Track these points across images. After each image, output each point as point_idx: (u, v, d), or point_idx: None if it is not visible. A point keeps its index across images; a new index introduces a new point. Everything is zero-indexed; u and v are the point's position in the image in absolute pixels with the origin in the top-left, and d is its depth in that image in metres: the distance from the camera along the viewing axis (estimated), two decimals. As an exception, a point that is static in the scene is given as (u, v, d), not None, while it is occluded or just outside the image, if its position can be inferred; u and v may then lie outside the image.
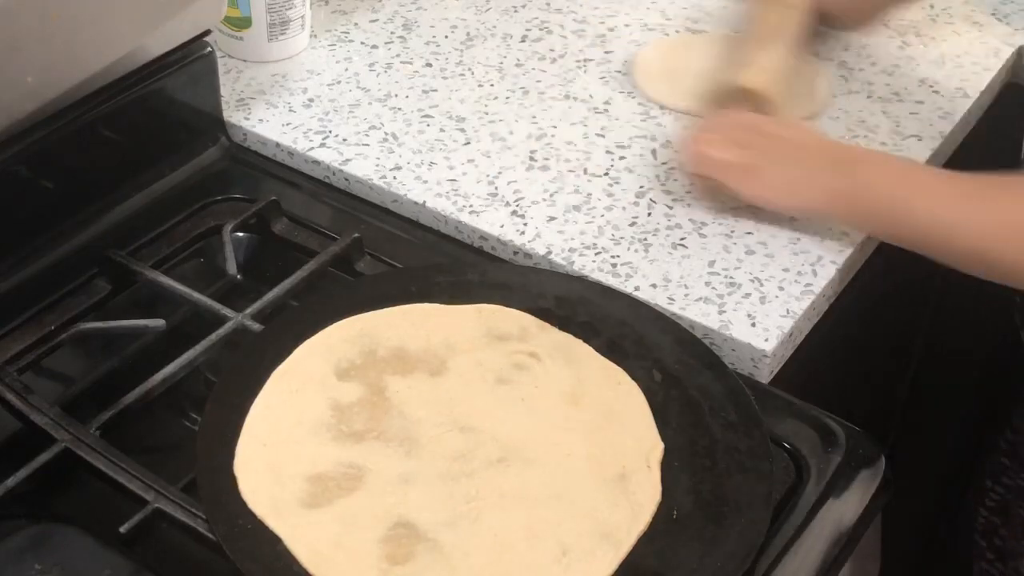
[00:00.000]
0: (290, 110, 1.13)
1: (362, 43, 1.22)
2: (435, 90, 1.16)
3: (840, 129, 1.11)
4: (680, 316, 0.92)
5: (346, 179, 1.07)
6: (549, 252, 0.98)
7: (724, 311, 0.93)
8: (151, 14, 0.97)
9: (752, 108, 1.05)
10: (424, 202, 1.03)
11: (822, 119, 1.13)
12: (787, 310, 0.94)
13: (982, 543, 1.27)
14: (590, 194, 1.04)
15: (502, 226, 1.00)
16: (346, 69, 1.18)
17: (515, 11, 1.28)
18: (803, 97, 1.13)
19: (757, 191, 0.99)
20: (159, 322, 0.90)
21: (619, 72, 1.19)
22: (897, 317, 1.28)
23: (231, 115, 1.11)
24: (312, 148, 1.08)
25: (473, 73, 1.18)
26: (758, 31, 1.13)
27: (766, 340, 0.91)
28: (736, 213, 1.01)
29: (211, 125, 1.09)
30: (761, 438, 0.81)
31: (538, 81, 1.17)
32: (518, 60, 1.20)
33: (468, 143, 1.09)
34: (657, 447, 0.81)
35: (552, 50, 1.22)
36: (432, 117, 1.12)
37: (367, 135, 1.10)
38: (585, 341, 0.88)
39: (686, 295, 0.94)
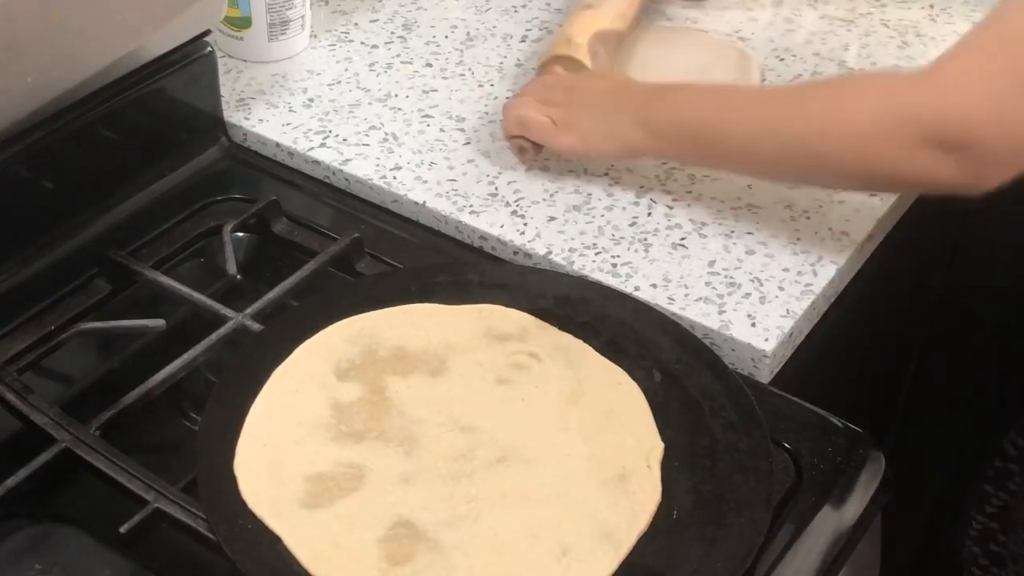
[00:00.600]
0: (290, 110, 1.13)
1: (362, 43, 1.22)
2: (435, 90, 1.16)
3: (840, 129, 1.11)
4: (680, 316, 0.92)
5: (346, 179, 1.07)
6: (549, 252, 0.98)
7: (724, 311, 0.93)
8: (151, 14, 0.97)
9: (571, 72, 1.08)
10: (424, 202, 1.03)
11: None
12: (787, 310, 0.94)
13: (975, 549, 1.27)
14: (590, 194, 1.04)
15: (502, 226, 1.00)
16: (346, 69, 1.18)
17: (515, 11, 1.28)
18: (737, 66, 1.15)
19: (569, 142, 1.01)
20: (159, 322, 0.90)
21: (619, 72, 1.19)
22: (897, 317, 1.28)
23: (231, 115, 1.11)
24: (312, 148, 1.08)
25: (473, 73, 1.18)
26: (595, 2, 1.16)
27: (766, 340, 0.91)
28: (736, 213, 1.01)
29: (211, 125, 1.09)
30: (761, 438, 0.81)
31: (538, 81, 1.17)
32: (518, 60, 1.20)
33: (468, 143, 1.09)
34: (657, 447, 0.81)
35: (552, 50, 1.22)
36: (432, 117, 1.12)
37: (367, 135, 1.10)
38: (585, 341, 0.88)
39: (686, 295, 0.94)
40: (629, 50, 1.18)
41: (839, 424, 0.87)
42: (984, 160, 0.84)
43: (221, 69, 1.10)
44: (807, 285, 0.96)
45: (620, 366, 0.86)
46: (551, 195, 1.04)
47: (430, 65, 1.19)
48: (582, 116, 1.01)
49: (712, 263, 0.97)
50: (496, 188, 1.04)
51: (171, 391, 0.87)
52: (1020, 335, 1.36)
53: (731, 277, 0.96)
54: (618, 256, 0.98)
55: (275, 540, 0.74)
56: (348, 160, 1.07)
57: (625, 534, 0.75)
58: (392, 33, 1.24)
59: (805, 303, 0.94)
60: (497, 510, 0.76)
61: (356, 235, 0.97)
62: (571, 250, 0.98)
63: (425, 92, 1.16)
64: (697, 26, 1.25)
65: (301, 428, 0.81)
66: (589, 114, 1.00)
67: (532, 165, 1.05)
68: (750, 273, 0.97)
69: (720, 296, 0.94)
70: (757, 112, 0.94)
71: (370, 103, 1.14)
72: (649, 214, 1.02)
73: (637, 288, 0.95)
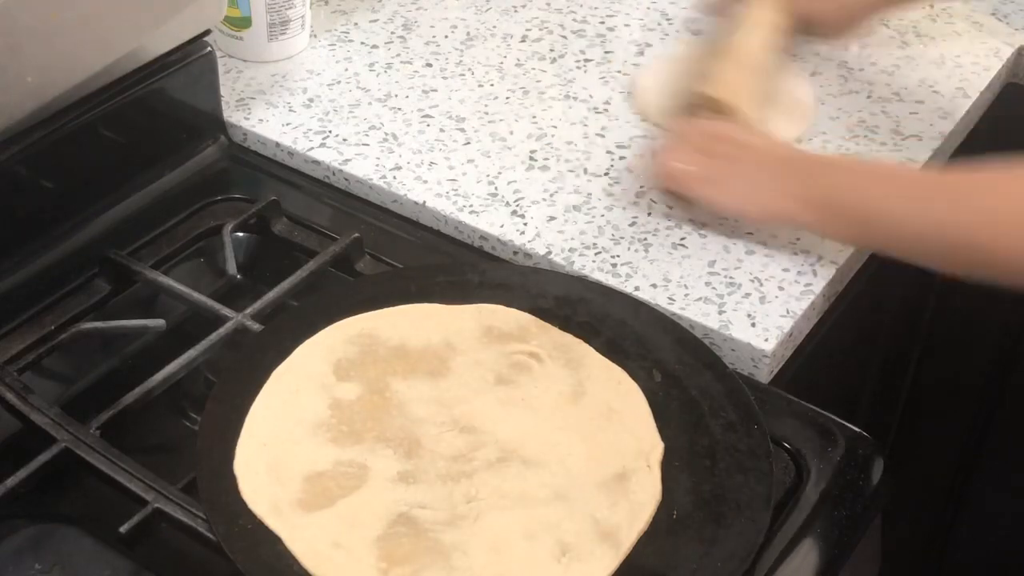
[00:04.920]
0: (290, 110, 1.13)
1: (362, 43, 1.22)
2: (435, 90, 1.16)
3: (840, 129, 1.11)
4: (680, 316, 0.92)
5: (346, 179, 1.07)
6: (549, 252, 0.98)
7: (724, 311, 0.93)
8: (151, 14, 0.97)
9: (721, 118, 1.04)
10: (424, 202, 1.03)
11: (822, 120, 1.12)
12: (787, 310, 0.94)
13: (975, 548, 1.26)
14: (590, 194, 1.04)
15: (502, 226, 1.00)
16: (346, 69, 1.18)
17: (515, 11, 1.28)
18: (789, 112, 1.13)
19: (722, 200, 0.98)
20: (159, 322, 0.90)
21: (619, 72, 1.19)
22: (897, 317, 1.28)
23: (231, 115, 1.11)
24: (312, 148, 1.08)
25: (473, 73, 1.18)
26: (729, 41, 1.13)
27: (766, 340, 0.91)
28: (736, 213, 1.01)
29: (211, 125, 1.09)
30: (761, 438, 0.81)
31: (538, 81, 1.17)
32: (518, 60, 1.20)
33: (468, 143, 1.09)
34: (657, 447, 0.81)
35: (552, 50, 1.22)
36: (432, 117, 1.12)
37: (367, 135, 1.10)
38: (585, 341, 0.88)
39: (686, 295, 0.94)
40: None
41: (839, 424, 0.87)
42: None
43: (221, 69, 1.10)
44: (807, 285, 0.96)
45: (620, 366, 0.86)
46: (551, 195, 1.04)
47: (430, 65, 1.19)
48: (738, 175, 0.97)
49: (712, 263, 0.97)
50: (496, 188, 1.04)
51: (171, 391, 0.87)
52: (1021, 334, 1.36)
53: (731, 277, 0.96)
54: (618, 256, 0.98)
55: (275, 540, 0.74)
56: (348, 160, 1.07)
57: (625, 534, 0.75)
58: (392, 33, 1.24)
59: (805, 303, 0.94)
60: (497, 510, 0.76)
61: (356, 235, 0.97)
62: (571, 250, 0.98)
63: (425, 92, 1.16)
64: (696, 25, 1.25)
65: (301, 428, 0.81)
66: (742, 172, 0.97)
67: (681, 209, 1.02)
68: (750, 273, 0.97)
69: (720, 296, 0.94)
70: (916, 197, 0.91)
71: (370, 103, 1.14)
72: (649, 214, 1.02)
73: (637, 288, 0.95)
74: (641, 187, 1.04)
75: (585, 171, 1.06)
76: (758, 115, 1.07)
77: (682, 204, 1.01)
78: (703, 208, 1.00)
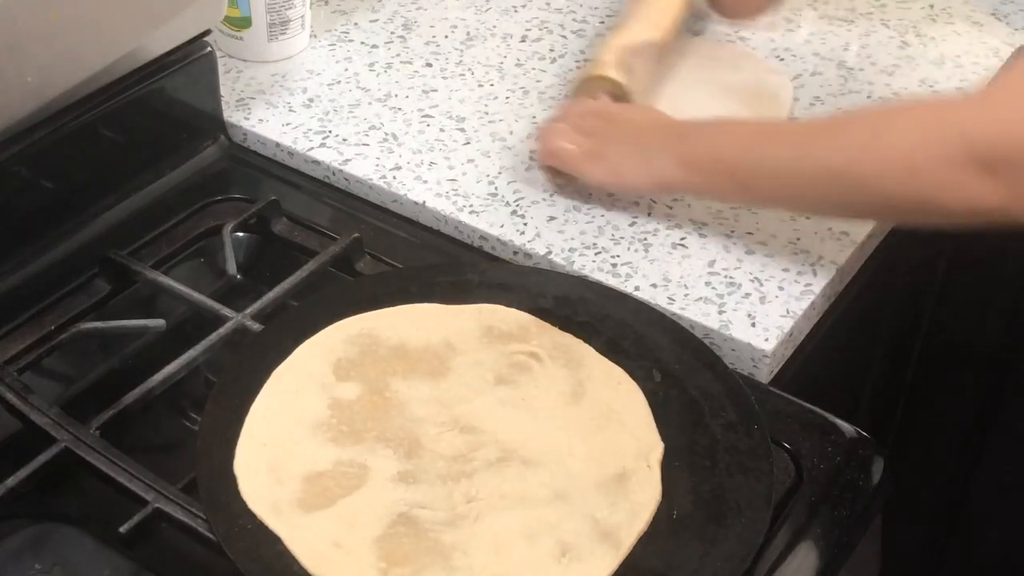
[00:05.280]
0: (290, 110, 1.13)
1: (362, 43, 1.22)
2: (435, 90, 1.16)
3: (840, 129, 1.11)
4: (680, 316, 0.92)
5: (346, 179, 1.07)
6: (549, 252, 0.98)
7: (724, 311, 0.93)
8: (151, 14, 0.97)
9: (613, 98, 1.06)
10: (424, 202, 1.03)
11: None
12: (787, 310, 0.94)
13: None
14: (590, 194, 1.04)
15: (502, 226, 1.00)
16: (346, 69, 1.18)
17: (515, 11, 1.28)
18: (765, 107, 1.13)
19: (602, 176, 0.99)
20: (159, 322, 0.90)
21: (619, 72, 1.19)
22: (897, 317, 1.28)
23: (231, 115, 1.11)
24: (312, 148, 1.08)
25: (473, 73, 1.18)
26: (628, 18, 1.14)
27: (766, 340, 0.91)
28: (736, 213, 1.01)
29: (211, 125, 1.09)
30: (761, 438, 0.81)
31: (538, 81, 1.17)
32: (518, 60, 1.20)
33: (468, 143, 1.09)
34: (657, 447, 0.81)
35: (552, 50, 1.22)
36: (432, 117, 1.12)
37: (367, 135, 1.10)
38: (585, 341, 0.88)
39: (686, 295, 0.94)
40: (671, 66, 1.16)
41: (839, 424, 0.87)
42: None
43: (221, 69, 1.10)
44: (807, 285, 0.96)
45: (620, 366, 0.86)
46: (551, 195, 1.04)
47: (430, 65, 1.19)
48: (616, 148, 0.99)
49: (712, 263, 0.97)
50: (496, 188, 1.04)
51: (171, 391, 0.87)
52: (1021, 334, 1.36)
53: (731, 277, 0.96)
54: (618, 256, 0.98)
55: (275, 540, 0.74)
56: (348, 160, 1.07)
57: (625, 534, 0.75)
58: (392, 33, 1.24)
59: (805, 303, 0.94)
60: (497, 510, 0.76)
61: (356, 235, 0.97)
62: (571, 250, 0.98)
63: (425, 92, 1.16)
64: (696, 26, 1.25)
65: (301, 428, 0.81)
66: (623, 147, 0.99)
67: (564, 190, 1.03)
68: (750, 273, 0.97)
69: (720, 296, 0.94)
70: (796, 143, 0.92)
71: (370, 103, 1.14)
72: (649, 214, 1.02)
73: (637, 288, 0.95)
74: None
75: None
76: (653, 91, 1.09)
77: (566, 182, 1.03)
78: (587, 185, 1.01)
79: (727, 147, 0.95)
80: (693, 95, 1.13)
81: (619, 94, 1.06)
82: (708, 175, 0.95)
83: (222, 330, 0.89)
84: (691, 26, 1.25)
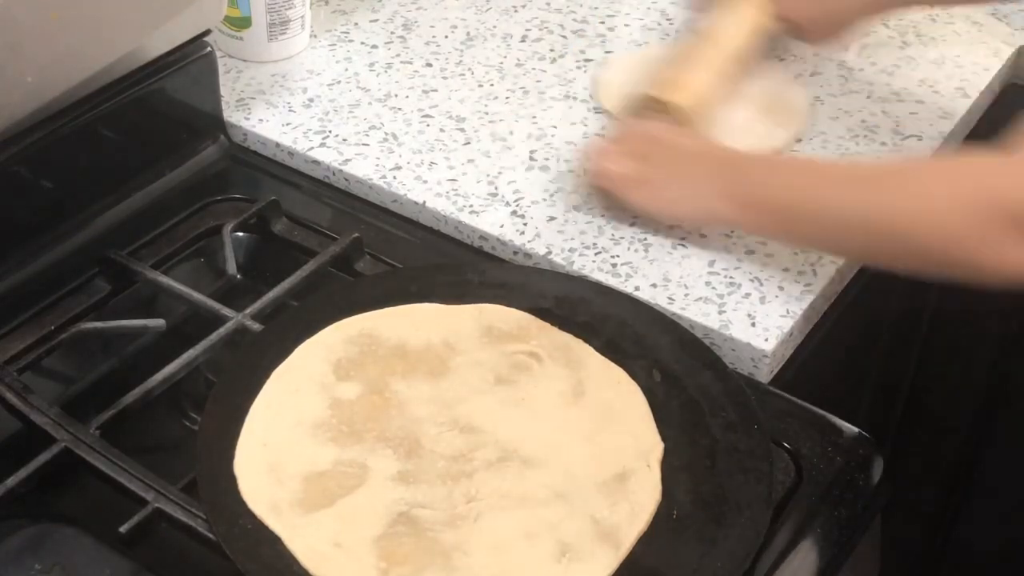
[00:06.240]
0: (290, 110, 1.13)
1: (362, 43, 1.22)
2: (435, 90, 1.16)
3: (840, 129, 1.11)
4: (680, 316, 0.92)
5: (346, 179, 1.07)
6: (549, 252, 0.98)
7: (724, 311, 0.93)
8: (151, 14, 0.97)
9: (671, 122, 1.04)
10: (424, 202, 1.03)
11: (821, 120, 1.12)
12: (787, 310, 0.94)
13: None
14: (590, 194, 1.04)
15: (502, 226, 1.00)
16: (346, 69, 1.18)
17: (515, 11, 1.28)
18: (783, 117, 1.12)
19: (648, 202, 0.98)
20: (159, 322, 0.90)
21: (619, 72, 1.19)
22: (897, 317, 1.28)
23: (231, 115, 1.11)
24: (312, 148, 1.08)
25: (473, 73, 1.18)
26: (696, 41, 1.12)
27: (766, 340, 0.91)
28: (736, 213, 1.01)
29: (211, 125, 1.09)
30: (761, 438, 0.81)
31: (538, 81, 1.17)
32: (518, 60, 1.20)
33: (468, 143, 1.09)
34: (657, 447, 0.81)
35: (552, 50, 1.22)
36: (432, 117, 1.12)
37: (367, 135, 1.10)
38: (585, 341, 0.88)
39: (686, 295, 0.94)
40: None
41: (839, 424, 0.87)
42: None
43: (221, 69, 1.10)
44: (807, 285, 0.96)
45: (620, 366, 0.86)
46: (551, 195, 1.04)
47: (430, 65, 1.19)
48: (664, 176, 0.98)
49: (712, 263, 0.97)
50: (496, 188, 1.04)
51: (171, 391, 0.87)
52: (1021, 334, 1.36)
53: (731, 277, 0.96)
54: (618, 256, 0.98)
55: (275, 540, 0.74)
56: (348, 160, 1.07)
57: (625, 534, 0.75)
58: (392, 33, 1.24)
59: (805, 303, 0.94)
60: (497, 510, 0.76)
61: (356, 235, 0.97)
62: (571, 250, 0.98)
63: (425, 92, 1.16)
64: (696, 25, 1.25)
65: (301, 428, 0.81)
66: (672, 175, 0.98)
67: (612, 210, 1.01)
68: (750, 273, 0.97)
69: (720, 296, 0.94)
70: (840, 190, 0.91)
71: (370, 103, 1.14)
72: (653, 218, 1.02)
73: (637, 288, 0.95)
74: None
75: (585, 171, 1.06)
76: (715, 117, 1.07)
77: (614, 205, 1.01)
78: (634, 210, 1.00)
79: (775, 188, 0.94)
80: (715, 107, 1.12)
81: (678, 118, 1.05)
82: (754, 214, 0.94)
83: (222, 330, 0.89)
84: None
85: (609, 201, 1.01)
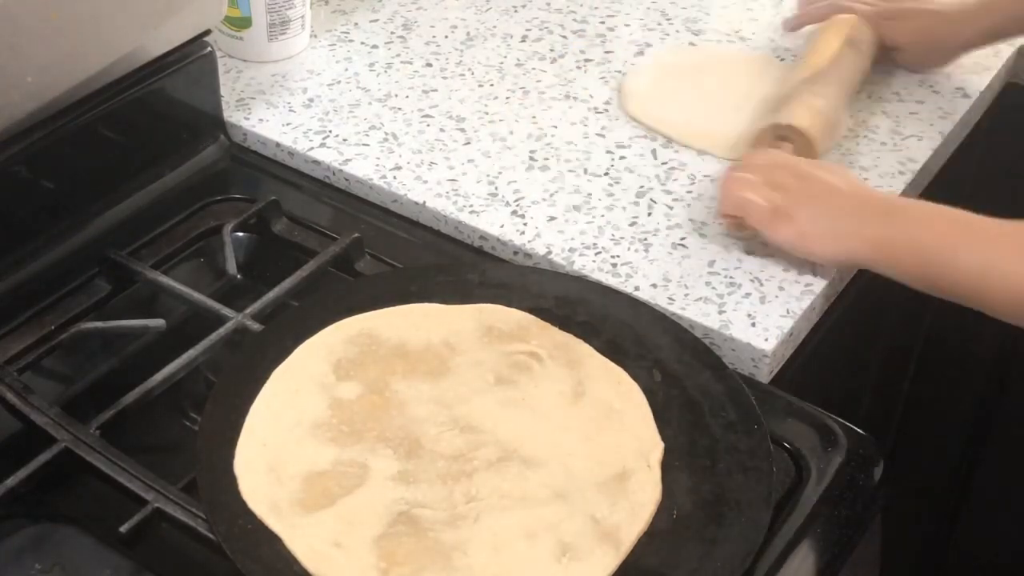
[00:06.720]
0: (290, 110, 1.13)
1: (362, 43, 1.22)
2: (435, 90, 1.16)
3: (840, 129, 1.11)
4: (680, 316, 0.92)
5: (346, 179, 1.07)
6: (549, 252, 0.98)
7: (724, 311, 0.93)
8: (151, 14, 0.97)
9: (795, 148, 1.02)
10: (424, 202, 1.03)
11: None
12: (787, 310, 0.94)
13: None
14: (590, 194, 1.04)
15: (502, 226, 1.00)
16: (346, 69, 1.18)
17: (515, 11, 1.28)
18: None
19: (786, 236, 0.95)
20: (159, 322, 0.90)
21: (619, 72, 1.19)
22: (897, 317, 1.28)
23: (231, 115, 1.11)
24: (312, 148, 1.08)
25: (473, 73, 1.18)
26: (815, 64, 1.10)
27: (766, 340, 0.91)
28: (736, 213, 1.01)
29: (211, 125, 1.09)
30: (761, 438, 0.81)
31: (538, 81, 1.18)
32: (518, 60, 1.20)
33: (468, 143, 1.09)
34: (657, 447, 0.81)
35: (552, 50, 1.22)
36: (432, 117, 1.12)
37: (367, 135, 1.10)
38: (585, 341, 0.88)
39: (686, 295, 0.94)
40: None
41: (839, 424, 0.87)
42: None
43: (221, 69, 1.10)
44: (807, 285, 0.96)
45: (620, 366, 0.86)
46: (551, 195, 1.04)
47: (430, 65, 1.19)
48: (808, 211, 0.94)
49: (712, 263, 0.97)
50: (496, 188, 1.04)
51: (171, 391, 0.87)
52: (1020, 333, 1.36)
53: (731, 277, 0.96)
54: (618, 256, 0.98)
55: (275, 540, 0.74)
56: (348, 160, 1.07)
57: (625, 534, 0.75)
58: (392, 33, 1.24)
59: (805, 303, 0.94)
60: (497, 510, 0.76)
61: (356, 235, 0.97)
62: (571, 250, 0.98)
63: (425, 92, 1.16)
64: (696, 25, 1.26)
65: (301, 428, 0.81)
66: (815, 211, 0.95)
67: (744, 241, 0.99)
68: (750, 273, 0.97)
69: (720, 296, 0.94)
70: (987, 249, 0.89)
71: (370, 103, 1.14)
72: (649, 214, 1.02)
73: (637, 288, 0.95)
74: (641, 187, 1.04)
75: (585, 171, 1.06)
76: (830, 144, 1.05)
77: (746, 234, 0.99)
78: (766, 240, 0.97)
79: (924, 238, 0.91)
80: (731, 106, 1.12)
81: (802, 148, 1.02)
82: (898, 261, 0.92)
83: (222, 330, 0.89)
84: (690, 26, 1.25)
85: (745, 233, 0.98)
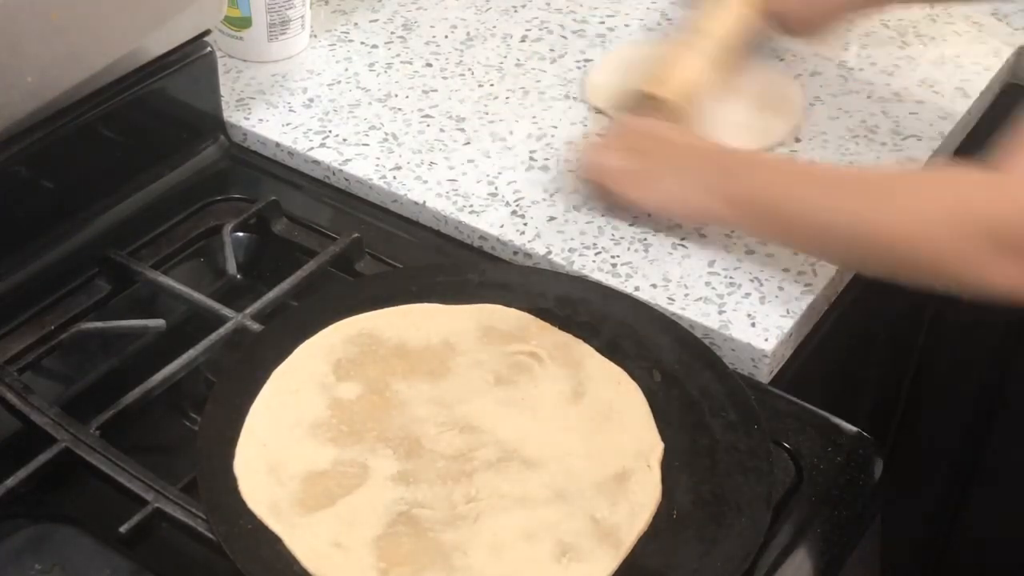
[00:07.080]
0: (290, 110, 1.13)
1: (362, 43, 1.22)
2: (435, 90, 1.16)
3: (840, 129, 1.11)
4: (680, 316, 0.92)
5: (346, 179, 1.07)
6: (549, 252, 0.98)
7: (724, 311, 0.93)
8: (151, 14, 0.97)
9: (664, 117, 1.04)
10: (424, 202, 1.03)
11: (821, 120, 1.12)
12: (787, 310, 0.94)
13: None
14: (583, 189, 1.04)
15: (502, 226, 1.00)
16: (346, 69, 1.18)
17: (515, 11, 1.28)
18: (779, 113, 1.12)
19: (641, 196, 0.99)
20: (159, 322, 0.90)
21: (619, 72, 1.19)
22: (897, 317, 1.28)
23: (231, 115, 1.11)
24: (312, 148, 1.08)
25: (473, 73, 1.18)
26: (686, 36, 1.12)
27: (766, 340, 0.91)
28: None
29: (211, 125, 1.09)
30: (761, 438, 0.81)
31: (538, 81, 1.17)
32: (518, 60, 1.20)
33: (468, 143, 1.09)
34: (657, 447, 0.81)
35: (552, 50, 1.22)
36: (432, 117, 1.12)
37: (367, 135, 1.10)
38: (585, 341, 0.88)
39: (686, 295, 0.94)
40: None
41: (839, 424, 0.87)
42: None
43: (221, 69, 1.10)
44: (807, 285, 0.96)
45: (620, 366, 0.86)
46: (551, 195, 1.04)
47: (430, 65, 1.19)
48: (661, 172, 0.98)
49: (712, 263, 0.97)
50: (496, 188, 1.04)
51: (171, 391, 0.87)
52: (1020, 334, 1.36)
53: (731, 277, 0.96)
54: (618, 256, 0.98)
55: (275, 540, 0.74)
56: (348, 160, 1.07)
57: (625, 534, 0.75)
58: (392, 33, 1.24)
59: (805, 303, 0.94)
60: (497, 510, 0.76)
61: (356, 235, 0.97)
62: (571, 250, 0.98)
63: (425, 92, 1.16)
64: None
65: (301, 428, 0.81)
66: (668, 172, 0.98)
67: (602, 205, 1.02)
68: (750, 273, 0.97)
69: (720, 296, 0.94)
70: (838, 200, 0.91)
71: (370, 103, 1.14)
72: (649, 214, 1.02)
73: (637, 288, 0.95)
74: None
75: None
76: (708, 112, 1.07)
77: (606, 199, 1.02)
78: (626, 204, 1.00)
79: (773, 191, 0.94)
80: (708, 101, 1.13)
81: (670, 114, 1.05)
82: (748, 215, 0.94)
83: (222, 330, 0.89)
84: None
85: (604, 197, 1.02)
